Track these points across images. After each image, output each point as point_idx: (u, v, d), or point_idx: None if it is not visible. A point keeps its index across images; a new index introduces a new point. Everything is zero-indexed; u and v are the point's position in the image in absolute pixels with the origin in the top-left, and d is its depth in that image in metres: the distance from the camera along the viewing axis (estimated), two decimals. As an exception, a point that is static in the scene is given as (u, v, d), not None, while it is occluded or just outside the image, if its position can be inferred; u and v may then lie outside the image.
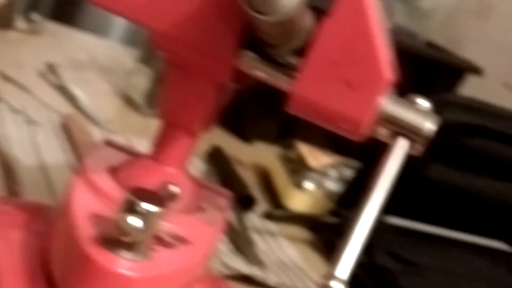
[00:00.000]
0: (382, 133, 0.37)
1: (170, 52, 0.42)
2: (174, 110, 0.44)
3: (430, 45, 1.35)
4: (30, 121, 0.77)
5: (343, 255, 0.33)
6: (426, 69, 1.15)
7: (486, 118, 0.82)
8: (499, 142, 0.81)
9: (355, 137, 0.37)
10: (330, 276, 0.32)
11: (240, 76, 0.40)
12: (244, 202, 0.78)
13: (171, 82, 0.44)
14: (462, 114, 0.82)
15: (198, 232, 0.43)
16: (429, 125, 0.37)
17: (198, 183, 0.48)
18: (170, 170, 0.45)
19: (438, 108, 0.84)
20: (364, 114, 0.36)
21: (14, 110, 0.78)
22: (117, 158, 0.47)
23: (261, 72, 0.39)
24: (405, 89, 0.39)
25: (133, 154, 0.49)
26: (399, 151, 0.36)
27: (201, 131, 0.45)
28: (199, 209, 0.46)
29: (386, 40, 0.37)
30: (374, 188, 0.36)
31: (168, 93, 0.44)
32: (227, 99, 0.45)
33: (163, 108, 0.45)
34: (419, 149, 0.37)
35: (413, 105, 0.38)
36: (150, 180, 0.43)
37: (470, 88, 1.18)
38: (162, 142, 0.45)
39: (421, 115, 0.37)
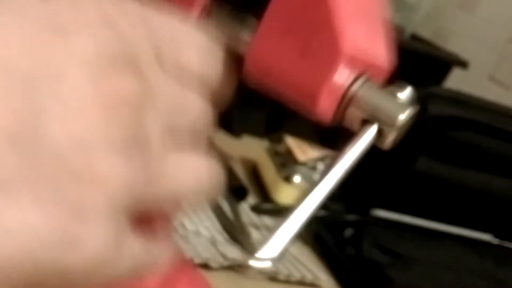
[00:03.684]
0: (352, 119, 0.33)
1: None
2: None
3: (415, 38, 1.36)
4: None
5: (275, 235, 0.31)
6: (411, 62, 1.16)
7: (472, 111, 0.83)
8: (485, 135, 0.82)
9: (318, 117, 0.33)
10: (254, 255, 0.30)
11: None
12: (237, 193, 0.79)
13: None
14: (448, 107, 0.83)
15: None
16: (399, 114, 0.31)
17: None
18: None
19: (423, 101, 0.85)
20: (319, 88, 0.31)
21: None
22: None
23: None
24: (389, 82, 0.37)
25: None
26: (364, 139, 0.32)
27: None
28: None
29: (360, 10, 0.33)
30: (324, 174, 0.32)
31: None
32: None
33: None
34: (387, 141, 0.32)
35: (388, 92, 0.32)
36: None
37: (455, 81, 1.19)
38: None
39: (392, 102, 0.32)
